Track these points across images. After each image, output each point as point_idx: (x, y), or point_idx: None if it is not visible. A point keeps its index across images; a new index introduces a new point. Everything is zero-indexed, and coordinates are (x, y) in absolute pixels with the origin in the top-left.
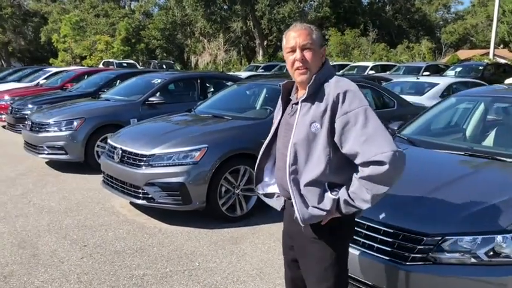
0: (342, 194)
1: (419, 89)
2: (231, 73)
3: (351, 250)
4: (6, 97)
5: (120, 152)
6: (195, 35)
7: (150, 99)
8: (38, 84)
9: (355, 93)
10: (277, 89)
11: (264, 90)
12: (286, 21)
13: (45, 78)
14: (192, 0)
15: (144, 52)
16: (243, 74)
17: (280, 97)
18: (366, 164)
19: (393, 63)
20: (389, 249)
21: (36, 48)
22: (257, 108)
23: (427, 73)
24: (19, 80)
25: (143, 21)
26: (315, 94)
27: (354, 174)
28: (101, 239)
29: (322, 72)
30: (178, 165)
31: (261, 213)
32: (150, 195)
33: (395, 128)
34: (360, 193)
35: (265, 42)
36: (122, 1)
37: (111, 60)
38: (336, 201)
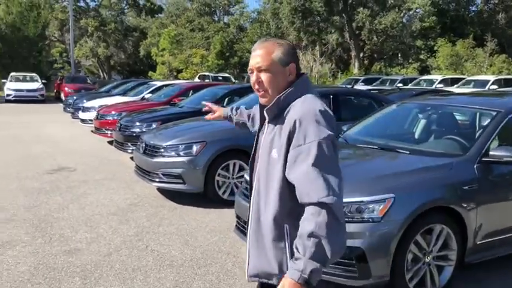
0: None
1: None
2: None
3: None
4: (113, 112)
5: None
6: None
7: None
8: (143, 98)
9: (315, 120)
10: (448, 113)
11: (440, 114)
12: (388, 31)
13: (150, 92)
14: (289, 12)
15: (238, 66)
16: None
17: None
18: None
19: None
20: None
21: (134, 62)
22: (434, 138)
23: None
24: (124, 94)
25: (237, 34)
26: (279, 116)
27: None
28: None
29: (288, 92)
30: (354, 222)
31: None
32: None
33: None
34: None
35: (361, 55)
36: (215, 16)
37: (206, 73)
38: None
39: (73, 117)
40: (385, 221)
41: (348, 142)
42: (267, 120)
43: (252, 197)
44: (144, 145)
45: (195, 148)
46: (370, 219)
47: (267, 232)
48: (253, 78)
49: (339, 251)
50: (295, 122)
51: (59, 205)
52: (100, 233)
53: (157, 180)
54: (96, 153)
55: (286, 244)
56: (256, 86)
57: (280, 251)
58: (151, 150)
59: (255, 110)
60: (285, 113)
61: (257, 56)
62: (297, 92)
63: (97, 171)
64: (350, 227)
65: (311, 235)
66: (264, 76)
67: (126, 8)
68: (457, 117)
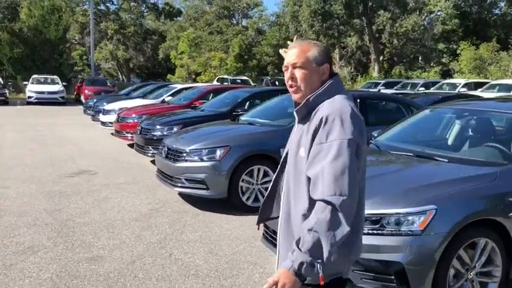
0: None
1: None
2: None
3: None
4: (134, 115)
5: None
6: None
7: None
8: (163, 101)
9: (340, 119)
10: (486, 118)
11: (477, 119)
12: (409, 34)
13: (169, 95)
14: (309, 15)
15: (256, 69)
16: (384, 91)
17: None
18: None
19: None
20: None
21: (153, 65)
22: (473, 145)
23: None
24: (143, 96)
25: (256, 37)
26: (307, 116)
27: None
28: None
29: (318, 93)
30: (392, 235)
31: None
32: None
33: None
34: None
35: (380, 58)
36: (234, 19)
37: (225, 76)
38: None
39: (93, 120)
40: (426, 234)
41: (380, 149)
42: (296, 121)
43: (282, 197)
44: (166, 149)
45: (218, 153)
46: (410, 232)
47: (296, 229)
48: (287, 74)
49: (345, 252)
50: (321, 120)
51: (81, 209)
52: (122, 239)
53: (179, 185)
54: (116, 157)
55: None
56: (290, 82)
57: None
58: (174, 155)
59: None
60: (313, 113)
61: (293, 54)
62: (326, 93)
63: (118, 174)
64: (388, 241)
65: (310, 230)
66: (298, 73)
67: (145, 11)
68: None
